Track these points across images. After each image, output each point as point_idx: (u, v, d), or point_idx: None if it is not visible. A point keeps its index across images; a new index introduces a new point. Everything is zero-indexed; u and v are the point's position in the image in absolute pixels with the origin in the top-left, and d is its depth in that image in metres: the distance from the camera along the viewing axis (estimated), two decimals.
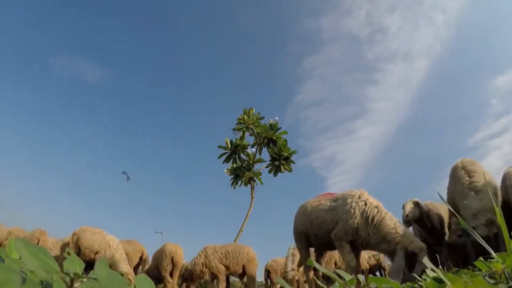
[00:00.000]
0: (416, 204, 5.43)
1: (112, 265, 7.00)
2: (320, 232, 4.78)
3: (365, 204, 4.34)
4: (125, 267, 7.00)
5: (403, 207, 5.47)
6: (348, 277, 0.90)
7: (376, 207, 4.29)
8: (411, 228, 5.65)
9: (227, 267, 7.53)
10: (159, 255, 7.77)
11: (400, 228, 4.04)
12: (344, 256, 4.38)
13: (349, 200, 4.46)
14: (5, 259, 0.74)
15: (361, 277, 0.93)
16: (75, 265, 0.57)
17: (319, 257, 5.30)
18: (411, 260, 3.83)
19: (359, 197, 4.46)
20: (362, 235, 4.23)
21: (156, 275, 7.64)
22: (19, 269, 0.60)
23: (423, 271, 3.44)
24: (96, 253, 7.06)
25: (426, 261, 0.91)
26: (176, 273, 7.68)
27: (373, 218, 4.20)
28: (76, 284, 0.53)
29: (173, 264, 7.70)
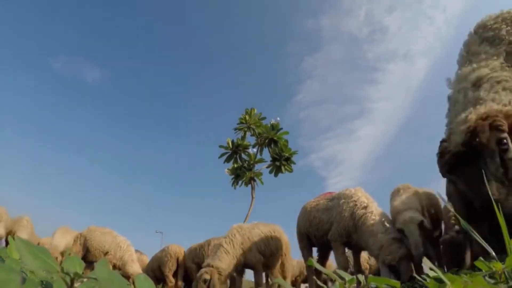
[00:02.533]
0: None
1: (122, 267, 7.02)
2: (318, 233, 4.73)
3: (355, 204, 4.14)
4: (131, 269, 6.99)
5: None
6: (348, 277, 0.90)
7: (364, 208, 4.05)
8: None
9: (197, 264, 7.14)
10: (163, 256, 7.83)
11: (380, 236, 3.72)
12: (337, 258, 4.31)
13: (341, 201, 4.32)
14: (5, 259, 0.74)
15: (361, 277, 0.93)
16: (75, 265, 0.57)
17: (321, 258, 5.27)
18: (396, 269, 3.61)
19: (351, 197, 4.27)
20: (354, 237, 4.08)
21: (156, 275, 7.71)
22: (19, 269, 0.60)
23: (411, 278, 3.35)
24: (106, 253, 7.05)
25: (426, 261, 0.91)
26: (181, 273, 7.74)
27: (358, 220, 4.00)
28: (76, 284, 0.54)
29: (178, 264, 7.76)
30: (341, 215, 4.21)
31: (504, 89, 2.19)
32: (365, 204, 4.09)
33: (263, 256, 5.48)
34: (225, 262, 4.94)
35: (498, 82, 2.20)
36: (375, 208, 4.04)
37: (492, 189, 1.80)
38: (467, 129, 1.91)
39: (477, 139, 1.84)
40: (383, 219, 3.88)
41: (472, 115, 1.97)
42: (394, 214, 3.75)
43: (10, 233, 7.41)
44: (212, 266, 4.84)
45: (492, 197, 1.58)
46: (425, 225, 3.45)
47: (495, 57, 2.34)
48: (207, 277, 4.73)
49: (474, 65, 2.33)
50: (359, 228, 3.98)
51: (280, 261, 5.80)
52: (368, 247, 3.87)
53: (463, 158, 1.92)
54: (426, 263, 0.87)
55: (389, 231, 3.74)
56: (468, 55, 2.49)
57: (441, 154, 2.06)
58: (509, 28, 2.41)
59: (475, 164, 1.87)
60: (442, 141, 2.10)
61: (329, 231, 4.41)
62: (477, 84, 2.23)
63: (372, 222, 3.87)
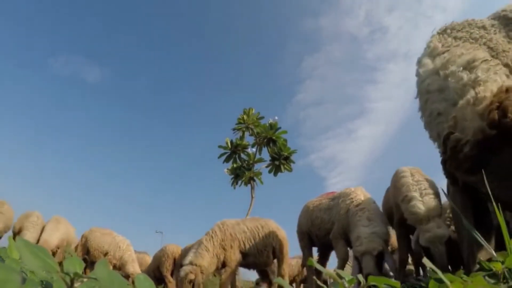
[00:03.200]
0: None
1: (121, 267, 7.07)
2: (320, 233, 4.70)
3: (352, 202, 4.06)
4: (131, 268, 7.06)
5: None
6: (348, 277, 0.91)
7: (358, 205, 3.95)
8: None
9: None
10: (161, 256, 7.83)
11: (361, 228, 3.61)
12: (337, 250, 4.26)
13: (341, 200, 4.28)
14: (5, 259, 0.74)
15: (361, 277, 0.93)
16: (75, 265, 0.57)
17: (322, 258, 5.24)
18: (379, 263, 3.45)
19: (349, 195, 4.19)
20: (350, 236, 3.94)
21: (156, 275, 7.71)
22: (19, 269, 0.60)
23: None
24: (106, 254, 7.08)
25: (425, 261, 0.91)
26: (178, 273, 7.75)
27: (351, 218, 3.89)
28: (76, 284, 0.53)
29: (176, 264, 7.77)
30: (339, 214, 4.19)
31: (505, 74, 1.77)
32: (360, 202, 4.00)
33: (248, 255, 5.20)
34: (206, 260, 4.79)
35: (495, 66, 1.80)
36: (368, 205, 3.93)
37: None
38: (487, 106, 1.43)
39: (509, 116, 1.35)
40: (370, 215, 3.75)
41: (484, 92, 1.53)
42: (415, 217, 3.23)
43: (18, 230, 6.91)
44: (195, 265, 4.67)
45: None
46: (452, 238, 3.06)
47: (479, 51, 1.98)
48: (192, 277, 4.59)
49: (463, 51, 1.91)
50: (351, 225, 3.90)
51: (274, 259, 5.56)
52: (352, 242, 3.74)
53: (489, 147, 1.41)
54: (427, 264, 0.87)
55: (374, 225, 3.61)
56: (444, 47, 2.07)
57: (454, 150, 1.53)
58: (478, 32, 2.14)
59: (508, 152, 1.38)
60: (448, 134, 1.61)
61: (330, 230, 4.38)
62: (469, 66, 1.78)
63: (358, 218, 3.77)
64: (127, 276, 6.81)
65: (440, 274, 0.82)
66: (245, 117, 13.72)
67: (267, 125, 13.67)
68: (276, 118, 13.91)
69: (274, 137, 13.59)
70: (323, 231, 4.60)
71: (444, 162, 1.69)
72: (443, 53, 1.99)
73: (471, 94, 1.62)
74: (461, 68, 1.80)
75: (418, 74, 2.12)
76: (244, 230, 5.23)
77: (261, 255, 5.31)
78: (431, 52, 2.09)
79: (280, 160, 13.68)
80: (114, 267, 7.05)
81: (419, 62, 2.14)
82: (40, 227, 7.15)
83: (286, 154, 13.64)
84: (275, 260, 5.59)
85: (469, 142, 1.48)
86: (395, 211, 3.74)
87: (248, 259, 5.24)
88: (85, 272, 6.03)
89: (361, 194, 4.17)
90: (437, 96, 1.90)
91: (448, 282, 0.78)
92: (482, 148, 1.45)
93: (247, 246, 5.16)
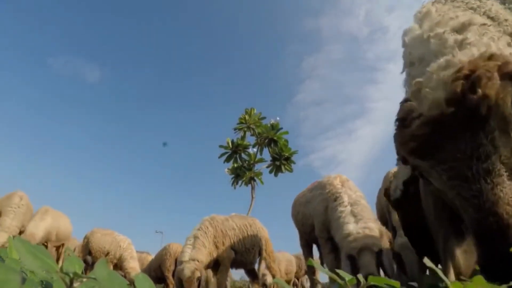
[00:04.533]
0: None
1: (120, 264, 7.17)
2: (305, 229, 4.29)
3: (329, 196, 3.62)
4: (128, 265, 7.14)
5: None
6: (348, 277, 0.90)
7: (335, 199, 3.50)
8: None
9: None
10: (163, 255, 7.71)
11: (347, 226, 3.21)
12: (324, 257, 3.92)
13: (318, 192, 3.87)
14: (5, 259, 0.74)
15: (361, 277, 0.93)
16: (74, 265, 0.57)
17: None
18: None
19: (325, 188, 3.73)
20: (333, 233, 3.55)
21: (158, 275, 7.64)
22: (19, 269, 0.60)
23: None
24: (107, 254, 7.14)
25: (426, 261, 0.90)
26: None
27: (331, 214, 3.50)
28: (75, 284, 0.54)
29: (177, 264, 7.69)
30: (316, 209, 3.80)
31: (506, 42, 1.32)
32: (338, 195, 3.55)
33: (236, 252, 5.02)
34: (205, 256, 4.60)
35: (496, 32, 1.36)
36: (348, 197, 3.49)
37: (503, 193, 0.94)
38: (455, 73, 1.04)
39: (479, 91, 0.97)
40: (354, 208, 3.36)
41: (462, 56, 1.13)
42: (398, 224, 3.14)
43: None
44: (197, 261, 4.46)
45: (499, 209, 0.92)
46: None
47: (478, 16, 1.52)
48: (199, 274, 4.40)
49: (458, 13, 1.46)
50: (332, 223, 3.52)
51: (258, 259, 5.47)
52: (338, 242, 3.37)
53: (445, 129, 1.04)
54: (427, 263, 0.86)
55: (363, 220, 3.24)
56: (439, 11, 1.57)
57: (403, 122, 1.18)
58: (474, 2, 1.67)
59: (467, 140, 1.01)
60: (404, 101, 1.26)
61: (313, 225, 3.97)
62: (461, 30, 1.35)
63: (339, 214, 3.36)
64: (126, 273, 6.87)
65: (440, 274, 0.82)
66: (246, 117, 13.74)
67: (269, 125, 13.69)
68: (278, 118, 13.96)
69: (275, 138, 13.61)
70: (308, 227, 4.13)
71: (394, 137, 1.30)
72: (436, 16, 1.56)
73: (448, 57, 1.20)
74: (449, 29, 1.39)
75: (403, 44, 1.68)
76: (233, 227, 5.11)
77: (249, 254, 5.23)
78: (422, 17, 1.63)
79: (281, 161, 13.69)
80: (115, 266, 7.08)
81: (405, 31, 1.70)
82: (24, 210, 6.28)
83: (287, 154, 13.66)
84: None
85: (421, 116, 1.13)
86: (388, 215, 3.67)
87: (235, 257, 5.09)
88: (86, 272, 6.01)
89: (339, 184, 3.67)
90: (416, 66, 1.43)
91: (448, 282, 0.78)
92: (435, 128, 1.08)
93: (236, 243, 5.02)
